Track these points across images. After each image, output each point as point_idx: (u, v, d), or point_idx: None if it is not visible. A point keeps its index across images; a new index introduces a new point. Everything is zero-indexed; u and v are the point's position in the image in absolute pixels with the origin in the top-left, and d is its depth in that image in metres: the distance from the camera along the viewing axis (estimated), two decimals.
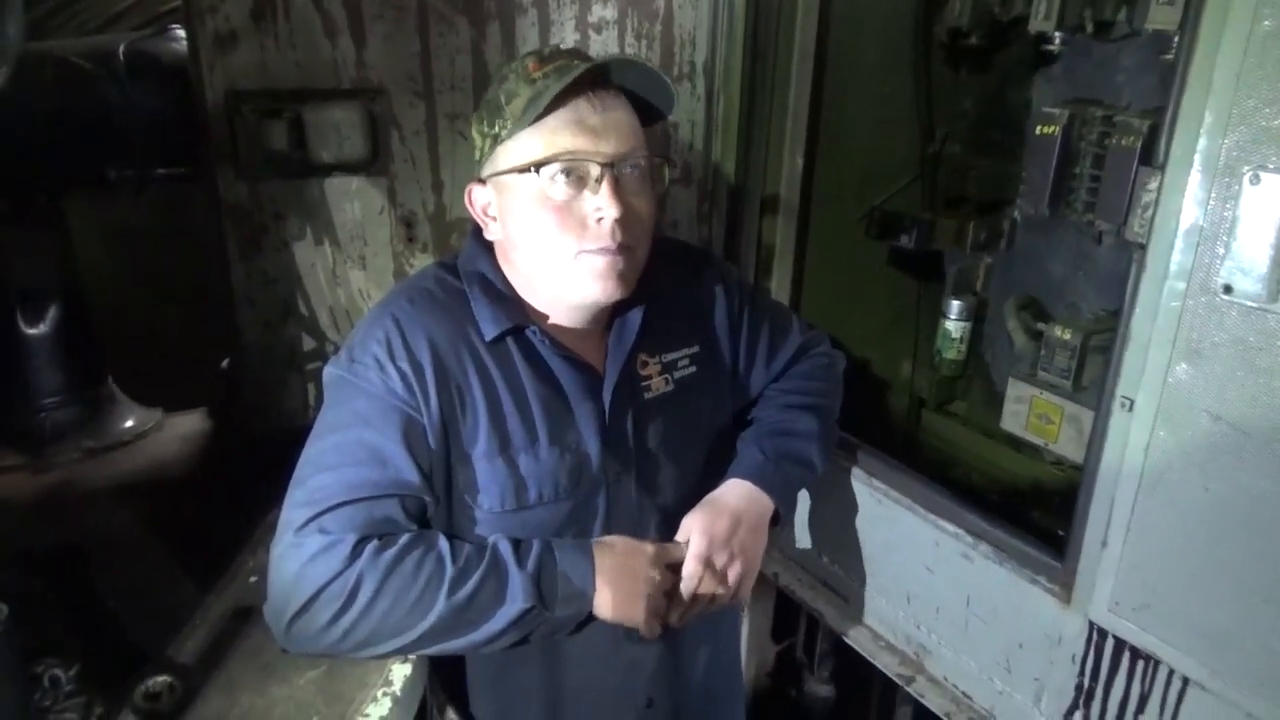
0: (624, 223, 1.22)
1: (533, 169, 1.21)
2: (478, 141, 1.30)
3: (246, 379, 1.97)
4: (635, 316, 1.37)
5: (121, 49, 1.99)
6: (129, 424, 2.19)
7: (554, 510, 1.30)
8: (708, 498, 1.39)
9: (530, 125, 1.21)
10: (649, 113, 1.30)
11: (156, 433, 2.21)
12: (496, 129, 1.25)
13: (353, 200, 1.93)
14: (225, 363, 2.21)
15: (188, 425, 2.25)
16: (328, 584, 1.11)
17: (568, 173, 1.21)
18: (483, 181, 1.31)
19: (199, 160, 1.90)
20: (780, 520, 1.46)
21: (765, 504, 1.41)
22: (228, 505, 1.79)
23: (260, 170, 1.83)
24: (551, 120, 1.21)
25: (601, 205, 1.20)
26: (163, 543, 1.73)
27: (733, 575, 1.32)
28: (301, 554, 1.13)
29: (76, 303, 2.14)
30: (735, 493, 1.40)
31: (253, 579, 1.54)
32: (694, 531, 1.32)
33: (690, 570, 1.29)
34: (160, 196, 2.18)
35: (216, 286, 1.93)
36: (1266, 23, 1.03)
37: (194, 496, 1.94)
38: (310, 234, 1.91)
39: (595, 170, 1.20)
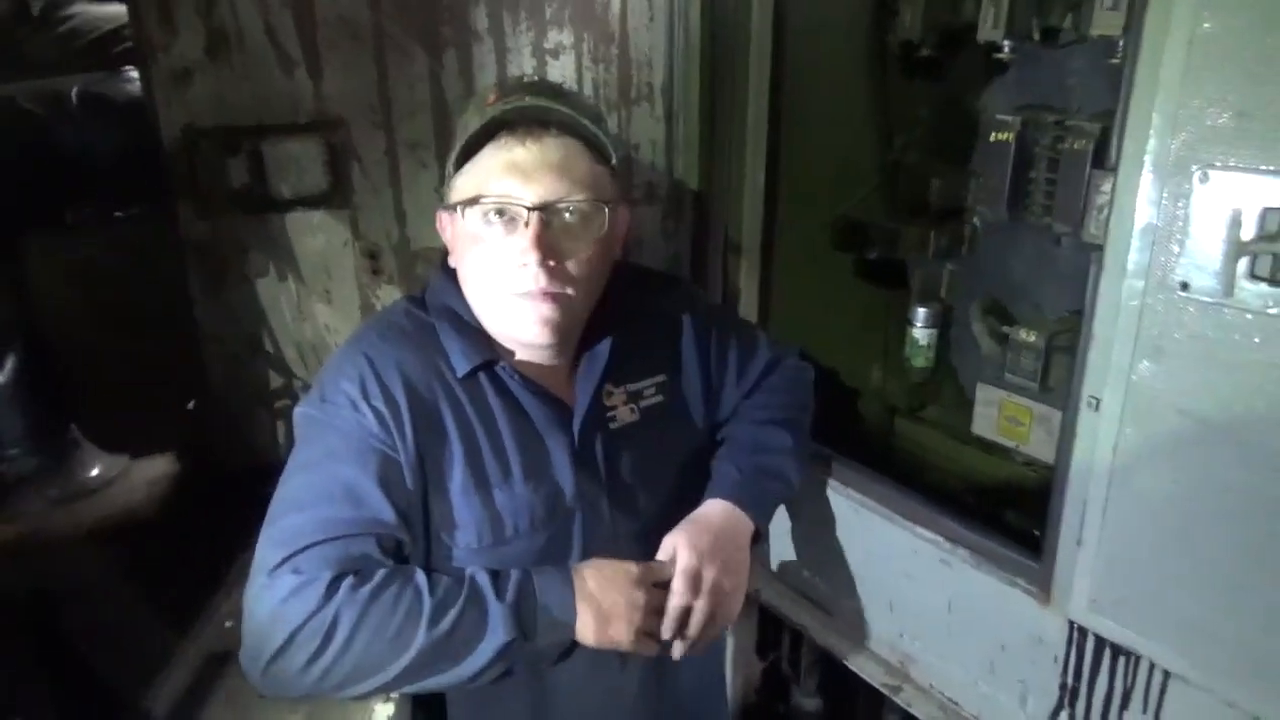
0: (552, 269, 1.21)
1: (466, 207, 1.22)
2: (445, 169, 1.31)
3: (215, 417, 1.94)
4: (604, 349, 1.36)
5: (74, 91, 1.97)
6: (94, 472, 2.14)
7: (530, 543, 1.28)
8: (688, 517, 1.38)
9: (468, 161, 1.21)
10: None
11: (123, 479, 2.16)
12: (450, 159, 1.26)
13: (315, 234, 1.91)
14: (192, 404, 2.18)
15: (155, 469, 2.21)
16: (304, 623, 1.09)
17: (499, 213, 1.20)
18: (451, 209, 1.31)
19: (159, 198, 1.88)
20: (760, 538, 1.46)
21: (745, 522, 1.40)
22: (199, 548, 1.76)
23: (221, 207, 1.81)
24: (486, 158, 1.21)
25: (524, 249, 1.19)
26: (134, 589, 1.69)
27: (723, 588, 1.30)
28: (276, 594, 1.10)
29: (37, 349, 2.10)
30: (715, 511, 1.39)
31: (228, 623, 1.52)
32: (679, 547, 1.30)
33: (679, 585, 1.27)
34: (122, 235, 2.15)
35: (181, 325, 1.91)
36: (1207, 25, 1.06)
37: (164, 541, 1.91)
38: (274, 270, 1.89)
39: (523, 214, 1.20)
